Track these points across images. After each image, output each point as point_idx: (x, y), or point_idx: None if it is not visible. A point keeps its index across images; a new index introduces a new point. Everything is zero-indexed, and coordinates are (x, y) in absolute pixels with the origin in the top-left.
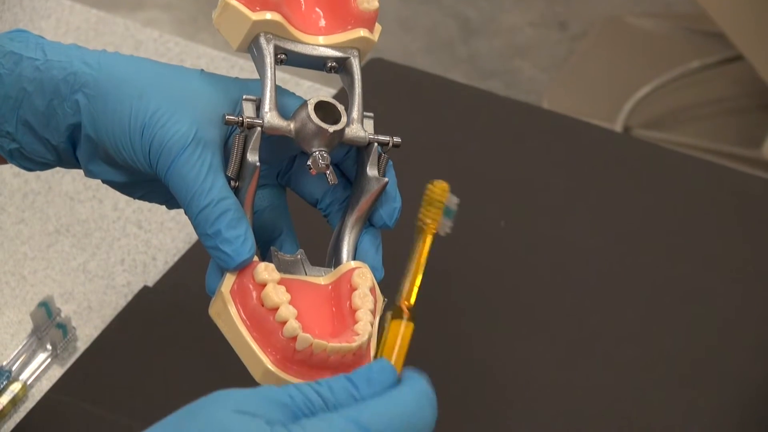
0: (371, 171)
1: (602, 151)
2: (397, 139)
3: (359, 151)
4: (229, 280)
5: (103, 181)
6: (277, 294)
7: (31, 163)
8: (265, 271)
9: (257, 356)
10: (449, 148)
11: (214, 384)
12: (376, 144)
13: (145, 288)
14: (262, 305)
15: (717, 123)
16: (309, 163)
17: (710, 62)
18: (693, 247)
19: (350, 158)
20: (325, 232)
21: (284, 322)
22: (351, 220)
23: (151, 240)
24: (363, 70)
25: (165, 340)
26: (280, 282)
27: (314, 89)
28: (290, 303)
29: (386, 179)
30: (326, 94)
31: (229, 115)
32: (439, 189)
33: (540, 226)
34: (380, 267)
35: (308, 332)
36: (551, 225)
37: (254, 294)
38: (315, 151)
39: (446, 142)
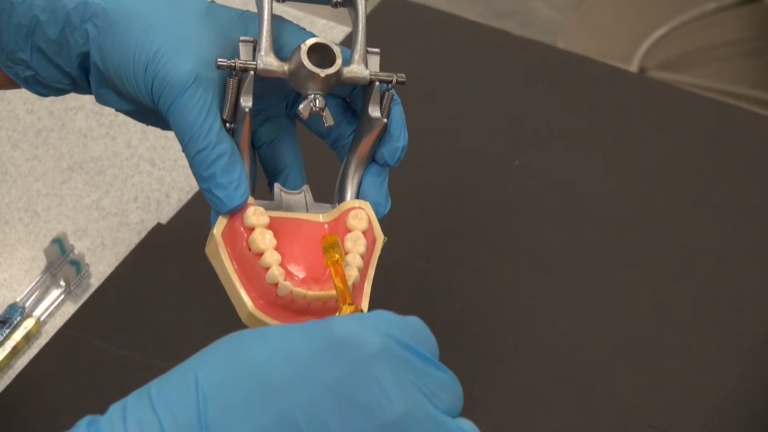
0: (373, 111)
1: (617, 92)
2: (401, 76)
3: (364, 88)
4: (221, 223)
5: (116, 109)
6: (263, 240)
7: (47, 89)
8: (254, 215)
9: (242, 298)
10: (463, 87)
11: (226, 321)
12: (377, 83)
13: (159, 225)
14: (250, 250)
15: (733, 65)
16: (300, 108)
17: (727, 3)
18: (708, 189)
19: (358, 92)
20: (337, 166)
21: (268, 268)
22: (354, 160)
23: (164, 177)
24: (376, 8)
25: (178, 277)
26: (273, 223)
27: (329, 27)
28: (280, 245)
29: (385, 120)
30: (340, 32)
31: (221, 59)
32: (330, 239)
33: (554, 166)
34: (384, 202)
35: (294, 276)
36: (566, 166)
37: (243, 238)
38: (310, 94)
39: (460, 82)
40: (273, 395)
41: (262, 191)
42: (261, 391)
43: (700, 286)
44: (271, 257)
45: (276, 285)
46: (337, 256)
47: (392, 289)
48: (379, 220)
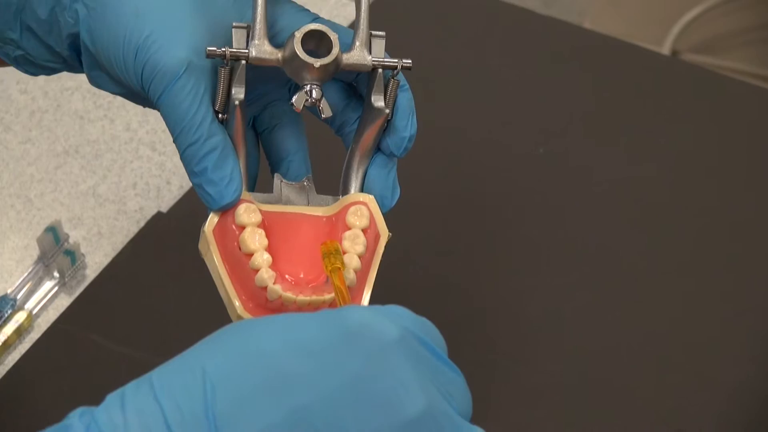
0: (376, 100)
1: (648, 75)
2: (406, 62)
3: (368, 75)
4: (213, 219)
5: (110, 92)
6: (253, 240)
7: (38, 68)
8: (245, 213)
9: (232, 300)
10: (483, 69)
11: (228, 315)
12: (380, 70)
13: (159, 214)
14: (240, 249)
15: None
16: (293, 100)
17: None
18: (741, 176)
19: (363, 76)
20: (345, 154)
21: (258, 270)
22: (358, 150)
23: (165, 163)
24: None
25: (179, 268)
26: (268, 218)
27: (340, 5)
28: (274, 243)
29: (387, 111)
30: (353, 11)
31: (210, 47)
32: (331, 246)
33: (580, 153)
34: (390, 194)
35: (285, 278)
36: (592, 153)
37: (234, 236)
38: (306, 84)
39: (480, 63)
40: (287, 388)
41: (268, 181)
42: (274, 384)
43: (731, 281)
44: (261, 259)
45: (265, 289)
46: (338, 264)
47: (403, 283)
48: (387, 213)
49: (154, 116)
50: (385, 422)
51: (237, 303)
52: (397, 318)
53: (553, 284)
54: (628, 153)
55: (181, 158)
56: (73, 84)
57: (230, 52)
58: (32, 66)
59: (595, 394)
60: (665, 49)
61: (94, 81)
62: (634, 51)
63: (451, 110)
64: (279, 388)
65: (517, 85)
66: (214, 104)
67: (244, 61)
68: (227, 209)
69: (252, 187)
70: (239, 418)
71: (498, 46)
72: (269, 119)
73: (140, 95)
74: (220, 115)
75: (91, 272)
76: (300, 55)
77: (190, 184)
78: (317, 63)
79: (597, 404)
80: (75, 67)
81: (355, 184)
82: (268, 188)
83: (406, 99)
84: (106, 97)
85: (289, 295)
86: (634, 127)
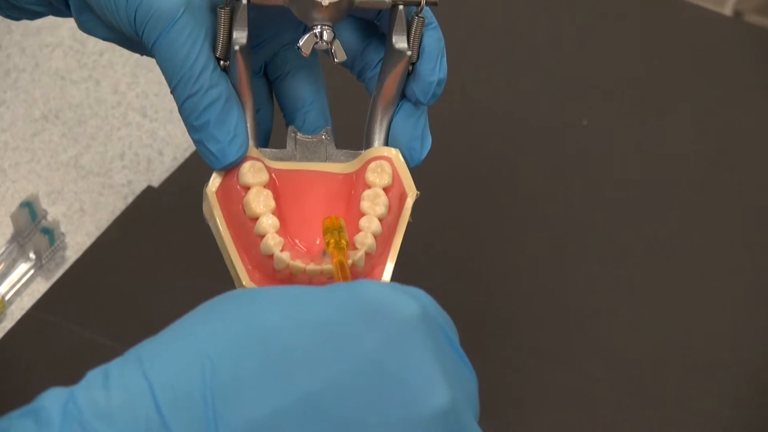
0: (397, 41)
1: (707, 38)
2: None
3: (389, 13)
4: (215, 180)
5: (102, 38)
6: (257, 202)
7: (19, 12)
8: (250, 172)
9: (237, 270)
10: (524, 32)
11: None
12: (401, 7)
13: (149, 188)
14: (245, 213)
15: None
16: (300, 44)
17: None
18: None
19: (386, 14)
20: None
21: (263, 236)
22: (381, 98)
23: (157, 131)
24: None
25: (170, 250)
26: (279, 177)
27: None
28: (285, 205)
29: (409, 53)
30: None
31: None
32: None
33: (629, 126)
34: (418, 146)
35: (295, 245)
36: (643, 125)
37: (239, 198)
38: (315, 26)
39: (521, 26)
40: (296, 370)
41: (285, 135)
42: (281, 365)
43: None
44: (267, 224)
45: (272, 257)
46: (343, 242)
47: (419, 270)
48: (415, 168)
49: (145, 78)
50: (406, 415)
51: (243, 274)
52: (417, 298)
53: (591, 276)
54: (683, 126)
55: (180, 111)
56: (54, 40)
57: None
58: (14, 9)
59: (647, 405)
60: (727, 10)
61: (83, 26)
62: (692, 10)
63: (481, 75)
64: (287, 369)
65: (558, 49)
66: (215, 50)
67: (245, 1)
68: (232, 168)
69: (265, 143)
70: (241, 401)
71: (540, 5)
72: (281, 65)
73: (134, 41)
74: (221, 63)
75: (72, 254)
76: None
77: (185, 156)
78: (326, 0)
79: (649, 415)
80: (61, 10)
81: (378, 137)
82: (283, 144)
83: (433, 39)
84: (91, 55)
85: (297, 263)
86: (690, 97)
